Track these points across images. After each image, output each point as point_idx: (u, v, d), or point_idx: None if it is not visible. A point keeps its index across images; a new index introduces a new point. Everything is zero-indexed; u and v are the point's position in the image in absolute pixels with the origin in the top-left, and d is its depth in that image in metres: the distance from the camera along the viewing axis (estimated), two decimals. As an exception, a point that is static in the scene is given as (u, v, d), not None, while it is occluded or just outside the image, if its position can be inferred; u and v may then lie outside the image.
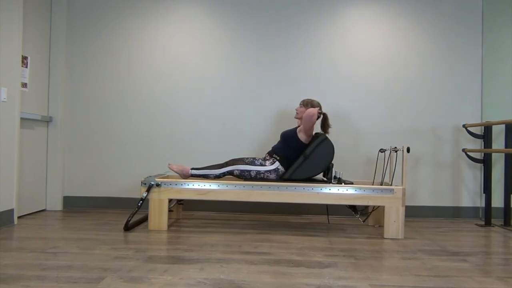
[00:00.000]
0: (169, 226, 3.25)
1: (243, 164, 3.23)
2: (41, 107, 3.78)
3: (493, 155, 3.82)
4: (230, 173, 3.25)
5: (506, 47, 3.90)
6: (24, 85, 3.51)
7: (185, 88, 3.99)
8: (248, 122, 3.95)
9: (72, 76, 4.02)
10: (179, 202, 3.60)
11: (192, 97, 3.98)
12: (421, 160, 3.92)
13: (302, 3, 3.96)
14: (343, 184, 3.05)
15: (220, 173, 3.25)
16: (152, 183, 3.04)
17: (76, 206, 4.00)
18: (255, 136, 3.91)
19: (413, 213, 3.89)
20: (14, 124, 3.17)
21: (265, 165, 3.23)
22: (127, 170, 3.98)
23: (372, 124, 3.93)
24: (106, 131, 4.00)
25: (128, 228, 3.04)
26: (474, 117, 3.91)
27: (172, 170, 3.28)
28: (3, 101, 3.05)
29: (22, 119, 3.42)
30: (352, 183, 3.12)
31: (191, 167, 3.29)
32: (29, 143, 3.58)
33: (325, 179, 3.30)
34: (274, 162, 3.25)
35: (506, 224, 3.53)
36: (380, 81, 3.94)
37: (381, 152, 3.50)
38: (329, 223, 3.55)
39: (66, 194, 4.00)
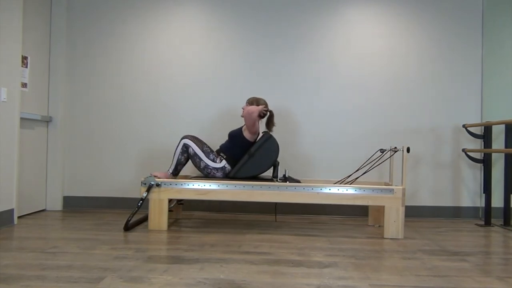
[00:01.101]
0: (169, 226, 3.25)
1: (199, 149, 3.26)
2: (41, 107, 3.78)
3: (493, 155, 3.82)
4: (187, 147, 3.26)
5: (506, 47, 3.90)
6: (24, 85, 3.51)
7: (185, 88, 3.99)
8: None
9: (72, 76, 4.02)
10: (179, 202, 3.60)
11: (192, 97, 3.98)
12: (421, 160, 3.92)
13: (302, 3, 3.96)
14: (287, 182, 3.10)
15: (181, 149, 3.26)
16: (152, 183, 3.04)
17: (76, 206, 4.00)
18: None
19: (413, 213, 3.89)
20: (14, 124, 3.17)
21: (215, 162, 3.27)
22: (127, 170, 3.98)
23: (372, 124, 3.92)
24: (106, 131, 4.01)
25: (128, 228, 3.04)
26: (474, 117, 3.91)
27: (157, 177, 3.20)
28: (3, 101, 3.05)
29: (22, 119, 3.42)
30: (299, 181, 3.14)
31: (167, 170, 3.30)
32: (29, 143, 3.58)
33: (272, 177, 3.32)
34: (221, 160, 3.28)
35: (506, 224, 3.53)
36: (380, 81, 3.94)
37: (381, 152, 3.50)
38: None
39: (66, 194, 4.00)
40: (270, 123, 3.41)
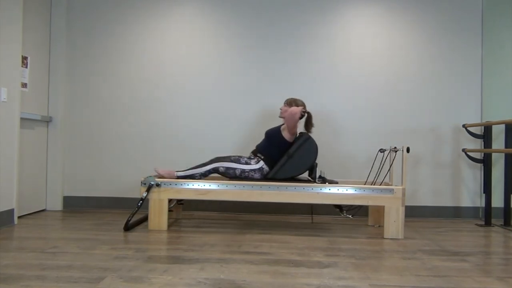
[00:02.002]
0: (169, 226, 3.25)
1: (228, 162, 3.22)
2: (41, 107, 3.78)
3: (493, 155, 3.82)
4: (216, 170, 3.22)
5: (505, 47, 3.90)
6: (24, 85, 3.51)
7: (185, 88, 3.99)
8: (248, 122, 3.95)
9: (72, 76, 4.02)
10: (179, 202, 3.60)
11: (192, 97, 3.98)
12: (421, 160, 3.92)
13: (302, 3, 3.96)
14: (326, 183, 3.06)
15: (205, 171, 3.22)
16: (152, 183, 3.04)
17: (76, 206, 4.00)
18: (256, 136, 3.91)
19: (413, 213, 3.89)
20: (14, 124, 3.17)
21: (250, 164, 3.23)
22: (127, 170, 3.98)
23: (372, 124, 3.92)
24: (106, 131, 4.01)
25: (128, 228, 3.04)
26: (474, 117, 3.91)
27: (159, 173, 3.23)
28: (3, 101, 3.05)
29: (22, 119, 3.42)
30: (336, 183, 3.13)
31: (175, 170, 3.26)
32: (29, 143, 3.58)
33: (310, 178, 3.30)
34: (259, 161, 3.25)
35: (506, 224, 3.53)
36: (380, 81, 3.94)
37: (381, 152, 3.50)
38: (312, 222, 3.55)
39: (66, 194, 4.00)
40: (309, 124, 3.38)
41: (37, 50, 3.69)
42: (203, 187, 3.04)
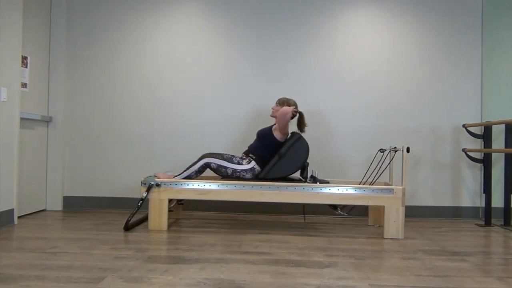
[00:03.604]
0: (169, 226, 3.25)
1: (221, 160, 3.23)
2: (41, 107, 3.78)
3: (493, 155, 3.82)
4: (207, 165, 3.23)
5: (505, 47, 3.90)
6: (24, 85, 3.51)
7: (185, 88, 3.99)
8: (248, 122, 3.95)
9: (72, 76, 4.02)
10: (179, 202, 3.60)
11: (192, 97, 3.98)
12: (421, 160, 3.92)
13: (302, 4, 3.96)
14: (318, 183, 3.06)
15: (199, 167, 3.23)
16: (152, 183, 3.04)
17: (76, 206, 4.00)
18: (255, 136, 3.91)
19: (413, 213, 3.89)
20: (14, 124, 3.17)
21: (242, 164, 3.24)
22: (127, 170, 3.98)
23: (372, 124, 3.92)
24: (106, 131, 4.01)
25: (128, 228, 3.04)
26: (474, 117, 3.91)
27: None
28: (3, 101, 3.05)
29: (22, 119, 3.42)
30: (328, 182, 3.14)
31: (174, 176, 3.27)
32: (29, 143, 3.58)
33: (301, 178, 3.31)
34: (250, 161, 3.26)
35: (506, 224, 3.53)
36: (380, 81, 3.94)
37: (381, 152, 3.50)
38: (305, 221, 3.55)
39: (66, 194, 4.00)
40: (301, 124, 3.38)
41: (37, 50, 3.69)
42: (203, 187, 3.04)
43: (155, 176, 3.12)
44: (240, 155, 3.50)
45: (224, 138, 3.96)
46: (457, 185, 3.91)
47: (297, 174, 3.60)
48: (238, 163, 3.24)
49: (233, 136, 3.95)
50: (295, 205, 3.91)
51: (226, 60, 3.98)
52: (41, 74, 3.76)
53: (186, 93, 3.99)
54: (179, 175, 3.25)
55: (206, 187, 3.04)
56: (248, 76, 3.96)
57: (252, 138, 3.60)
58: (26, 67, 3.52)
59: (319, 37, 3.95)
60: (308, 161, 3.31)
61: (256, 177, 3.25)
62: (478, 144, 3.88)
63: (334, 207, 3.24)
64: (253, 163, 3.25)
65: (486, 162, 3.65)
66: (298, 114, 3.37)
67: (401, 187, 2.98)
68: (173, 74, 4.00)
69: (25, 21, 3.45)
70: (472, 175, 3.91)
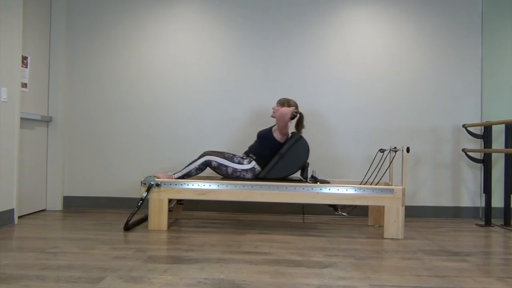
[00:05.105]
0: (169, 226, 3.25)
1: (222, 158, 3.24)
2: (41, 107, 3.78)
3: (493, 155, 3.82)
4: (208, 163, 3.24)
5: (506, 47, 3.90)
6: (24, 85, 3.51)
7: (186, 87, 3.99)
8: (248, 122, 3.95)
9: (72, 76, 4.02)
10: (179, 202, 3.60)
11: (192, 96, 3.98)
12: (421, 160, 3.92)
13: (303, 4, 3.96)
14: (318, 183, 3.06)
15: (199, 164, 3.24)
16: (152, 183, 3.04)
17: (76, 206, 4.00)
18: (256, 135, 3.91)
19: (413, 213, 3.89)
20: (14, 124, 3.17)
21: (242, 164, 3.24)
22: (127, 170, 3.98)
23: (372, 124, 3.92)
24: (106, 131, 4.01)
25: (128, 228, 3.04)
26: (474, 117, 3.91)
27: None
28: (3, 101, 3.05)
29: (22, 119, 3.42)
30: (328, 182, 3.14)
31: (173, 174, 3.27)
32: (29, 143, 3.58)
33: (301, 178, 3.31)
34: (251, 161, 3.26)
35: (506, 224, 3.53)
36: (380, 81, 3.94)
37: (381, 152, 3.50)
38: (304, 222, 3.55)
39: (66, 194, 4.00)
40: (300, 125, 3.39)
41: (37, 50, 3.69)
42: (203, 187, 3.04)
43: (155, 176, 3.12)
44: (240, 155, 3.50)
45: (224, 138, 3.96)
46: (457, 185, 3.91)
47: (297, 174, 3.61)
48: (239, 163, 3.24)
49: (233, 136, 3.95)
50: (295, 205, 3.91)
51: (226, 60, 3.98)
52: (41, 74, 3.76)
53: (186, 93, 3.99)
54: (179, 172, 3.26)
55: (206, 187, 3.04)
56: (249, 76, 3.96)
57: (252, 138, 3.61)
58: (26, 67, 3.52)
59: (320, 37, 3.95)
60: (308, 161, 3.31)
61: (257, 177, 3.25)
62: (478, 144, 3.88)
63: (334, 207, 3.24)
64: (253, 163, 3.25)
65: (486, 162, 3.65)
66: (298, 115, 3.37)
67: (401, 187, 2.97)
68: (173, 74, 4.00)
69: (25, 21, 3.45)
70: (472, 175, 3.91)
